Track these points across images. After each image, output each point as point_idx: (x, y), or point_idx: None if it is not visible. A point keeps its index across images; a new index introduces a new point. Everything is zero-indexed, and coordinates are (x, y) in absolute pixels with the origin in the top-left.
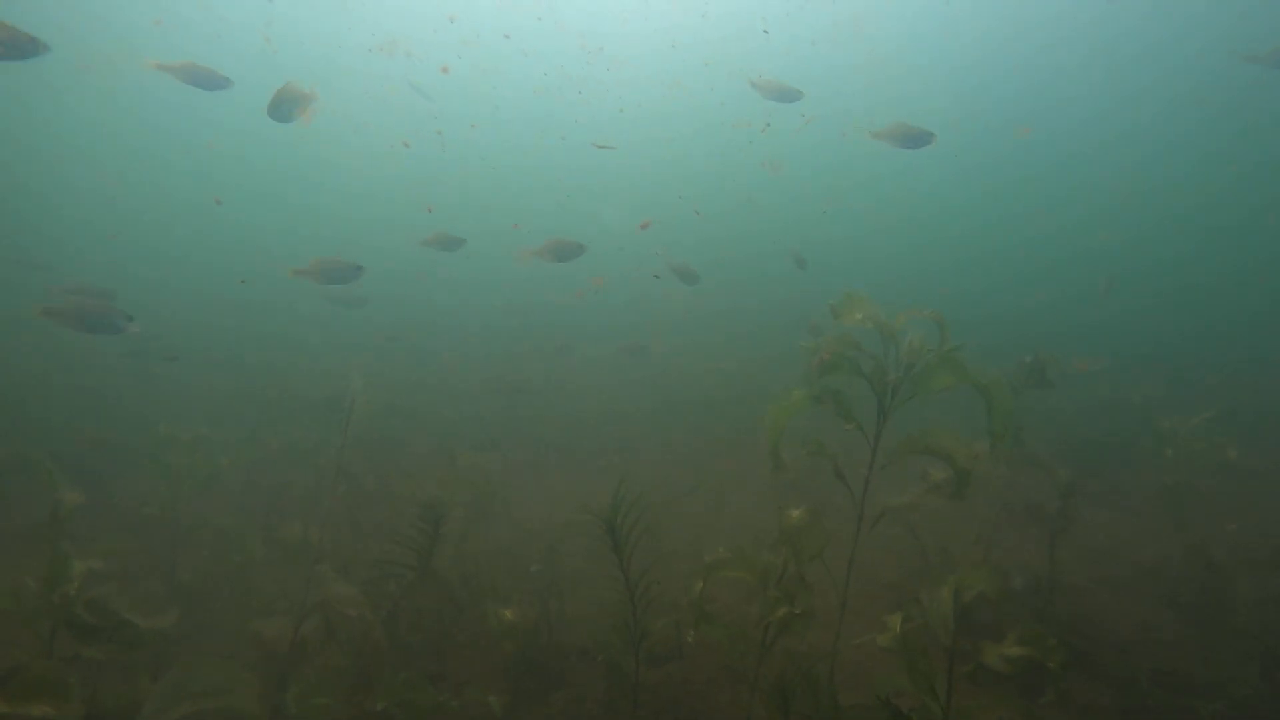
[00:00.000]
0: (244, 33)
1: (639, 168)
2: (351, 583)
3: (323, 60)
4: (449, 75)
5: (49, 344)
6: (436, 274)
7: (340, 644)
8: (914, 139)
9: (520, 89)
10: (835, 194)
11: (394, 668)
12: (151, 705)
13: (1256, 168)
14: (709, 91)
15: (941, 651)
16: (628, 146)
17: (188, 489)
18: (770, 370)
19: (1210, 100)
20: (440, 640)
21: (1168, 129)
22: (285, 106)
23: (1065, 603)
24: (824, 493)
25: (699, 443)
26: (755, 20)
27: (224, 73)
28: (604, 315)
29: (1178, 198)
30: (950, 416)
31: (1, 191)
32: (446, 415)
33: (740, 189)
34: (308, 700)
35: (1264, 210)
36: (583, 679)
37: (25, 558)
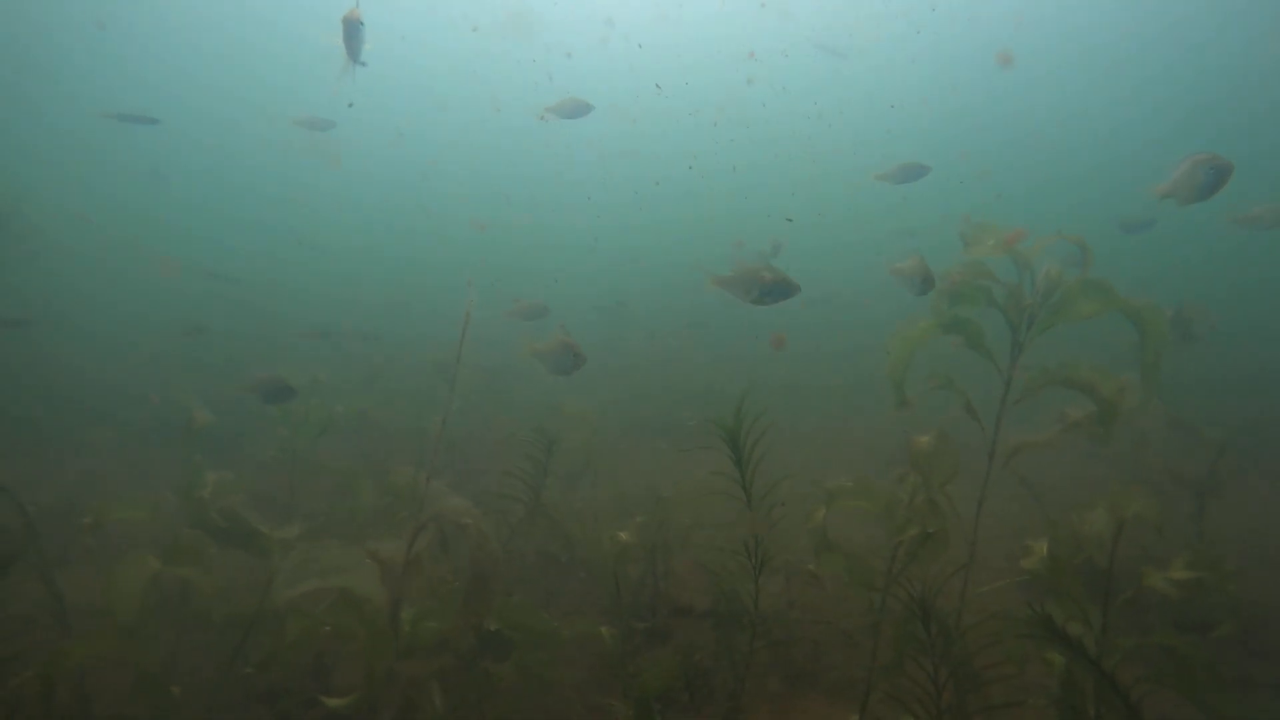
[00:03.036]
0: None
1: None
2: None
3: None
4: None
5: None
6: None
7: (454, 560)
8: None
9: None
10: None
11: (506, 591)
12: (281, 579)
13: None
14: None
15: (1094, 579)
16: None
17: (305, 435)
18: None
19: None
20: (549, 572)
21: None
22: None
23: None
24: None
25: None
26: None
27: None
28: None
29: None
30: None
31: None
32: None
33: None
34: (422, 622)
35: None
36: (689, 634)
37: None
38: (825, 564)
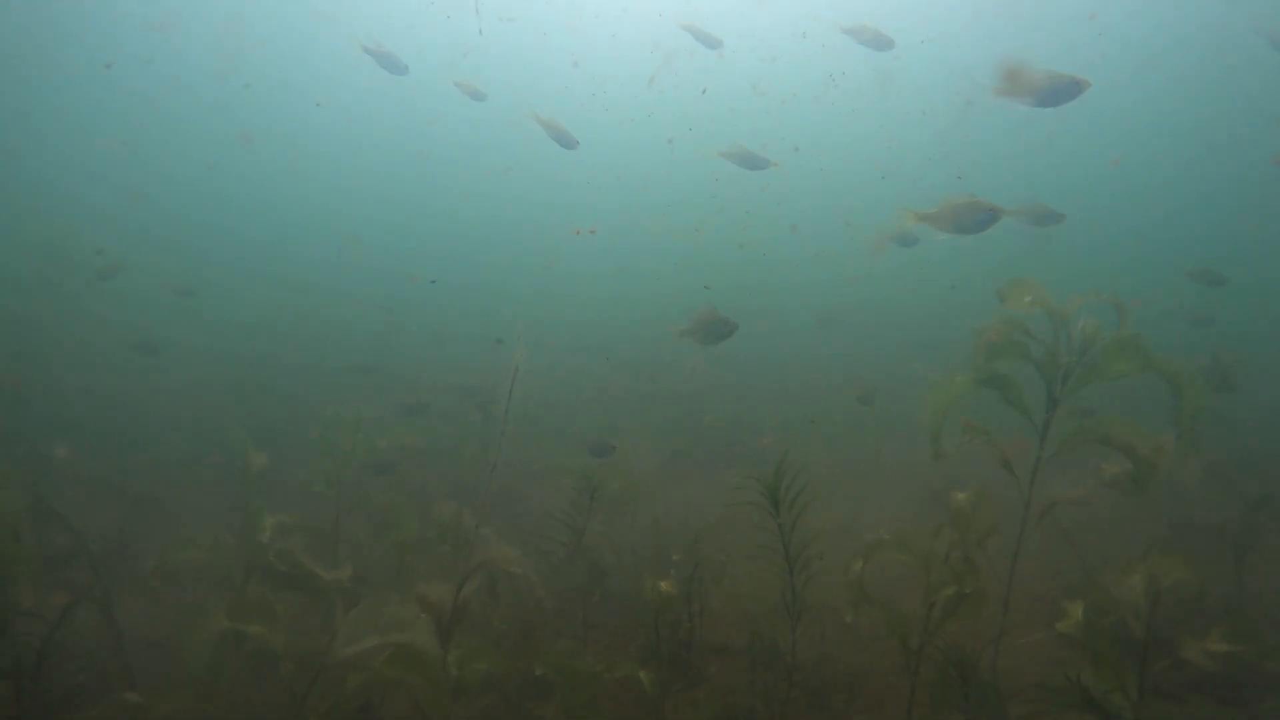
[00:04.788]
0: None
1: None
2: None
3: None
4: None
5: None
6: None
7: (502, 605)
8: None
9: None
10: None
11: (551, 634)
12: (344, 636)
13: None
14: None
15: (1128, 646)
16: None
17: (349, 468)
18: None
19: None
20: (588, 614)
21: None
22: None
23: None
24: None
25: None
26: None
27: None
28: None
29: None
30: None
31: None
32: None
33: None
34: (469, 663)
35: None
36: (724, 674)
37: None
38: (862, 615)
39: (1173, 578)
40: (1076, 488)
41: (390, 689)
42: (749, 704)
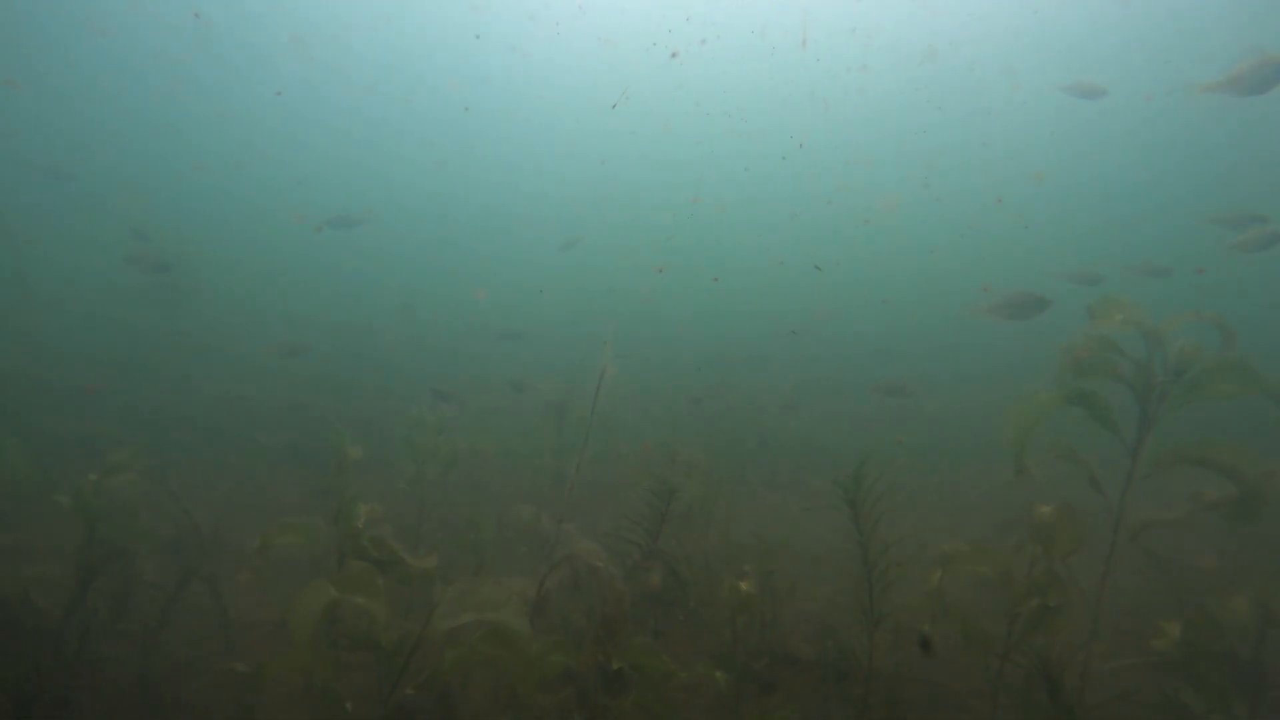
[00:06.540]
0: None
1: None
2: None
3: None
4: None
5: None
6: None
7: (584, 597)
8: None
9: None
10: None
11: (630, 631)
12: (442, 610)
13: None
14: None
15: (1232, 669)
16: None
17: (432, 467)
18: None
19: None
20: (660, 617)
21: None
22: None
23: None
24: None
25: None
26: None
27: None
28: None
29: None
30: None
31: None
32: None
33: None
34: (549, 655)
35: None
36: (795, 684)
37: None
38: (941, 627)
39: None
40: (1172, 511)
41: (475, 673)
42: (824, 711)
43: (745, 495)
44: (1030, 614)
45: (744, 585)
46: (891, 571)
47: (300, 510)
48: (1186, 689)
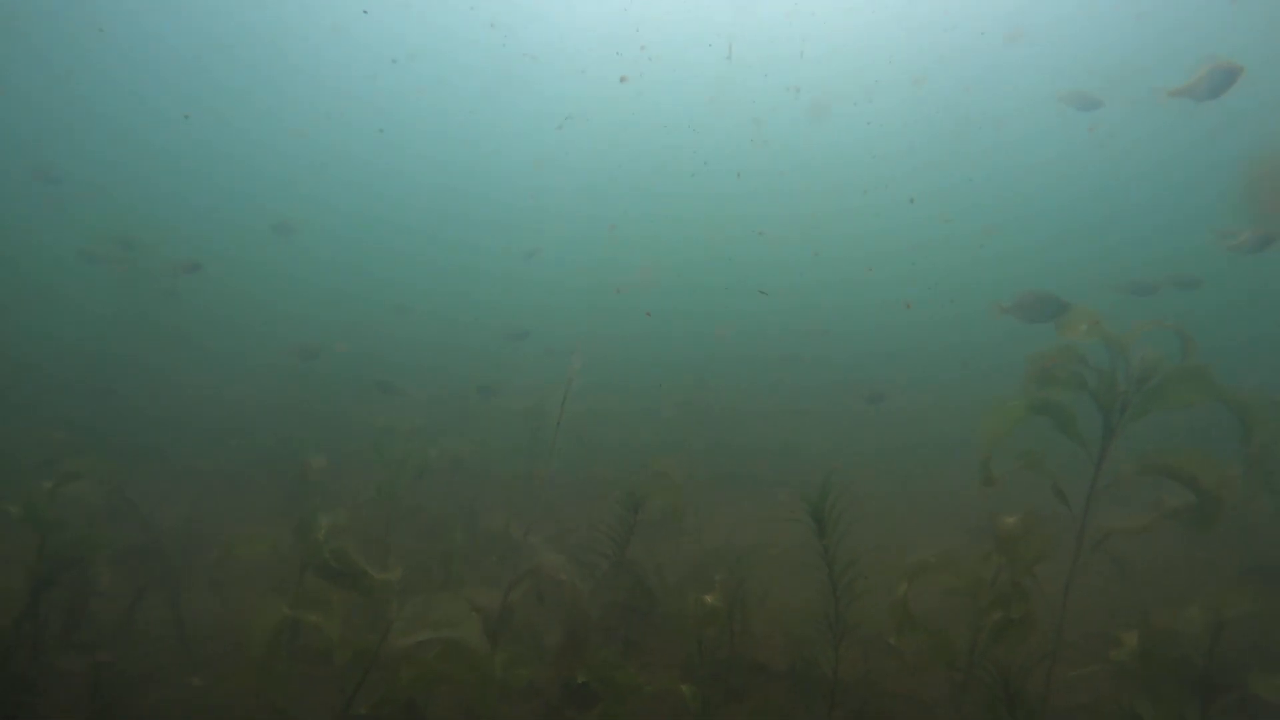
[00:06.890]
0: None
1: None
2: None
3: None
4: None
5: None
6: None
7: (548, 611)
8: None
9: None
10: None
11: (595, 644)
12: (398, 628)
13: None
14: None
15: (1189, 678)
16: None
17: (402, 477)
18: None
19: None
20: (630, 627)
21: None
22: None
23: None
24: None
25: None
26: None
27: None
28: None
29: None
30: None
31: None
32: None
33: None
34: (513, 668)
35: None
36: (765, 693)
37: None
38: (907, 639)
39: (1237, 609)
40: (1134, 519)
41: (437, 687)
42: None
43: (725, 502)
44: (994, 625)
45: (709, 598)
46: (859, 583)
47: (268, 520)
48: (1142, 699)
